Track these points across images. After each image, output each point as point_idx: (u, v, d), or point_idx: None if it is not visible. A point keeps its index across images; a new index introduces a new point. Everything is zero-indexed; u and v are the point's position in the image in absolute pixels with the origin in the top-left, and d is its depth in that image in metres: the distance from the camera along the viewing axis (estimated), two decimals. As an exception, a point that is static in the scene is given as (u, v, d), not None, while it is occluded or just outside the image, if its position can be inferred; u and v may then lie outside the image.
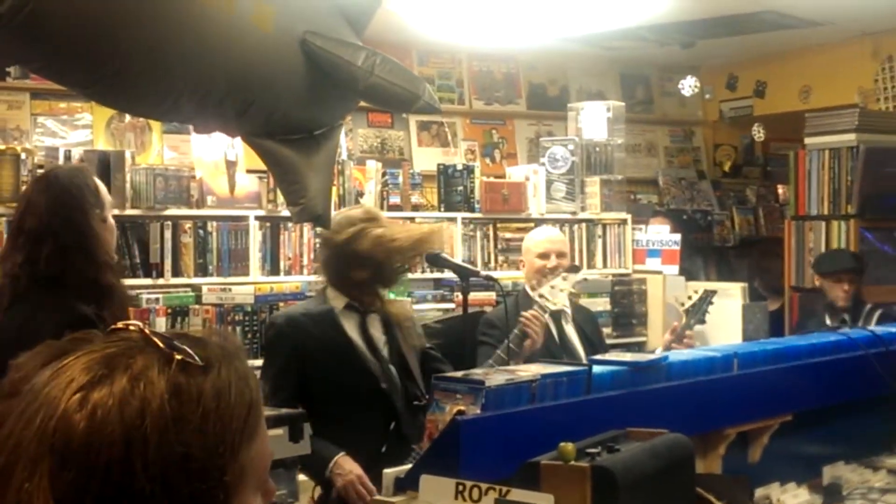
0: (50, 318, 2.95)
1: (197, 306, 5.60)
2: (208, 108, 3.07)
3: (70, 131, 6.62)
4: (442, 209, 6.63)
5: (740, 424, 3.01)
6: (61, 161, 5.30)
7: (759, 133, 8.63)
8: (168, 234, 5.64)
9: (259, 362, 4.02)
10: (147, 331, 1.14)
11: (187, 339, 1.13)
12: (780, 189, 9.51)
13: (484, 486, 1.86)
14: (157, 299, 5.51)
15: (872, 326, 4.49)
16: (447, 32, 7.50)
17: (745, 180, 9.77)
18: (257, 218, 5.93)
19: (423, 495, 1.94)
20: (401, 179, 6.48)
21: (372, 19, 3.83)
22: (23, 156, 5.23)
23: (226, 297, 5.67)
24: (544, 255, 4.99)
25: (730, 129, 9.56)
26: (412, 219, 6.42)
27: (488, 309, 5.57)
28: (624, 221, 7.21)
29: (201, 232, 5.76)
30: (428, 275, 6.46)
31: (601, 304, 6.64)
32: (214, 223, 5.81)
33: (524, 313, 4.46)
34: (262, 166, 5.09)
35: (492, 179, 6.99)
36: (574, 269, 4.75)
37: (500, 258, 6.73)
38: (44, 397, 1.08)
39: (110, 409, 1.04)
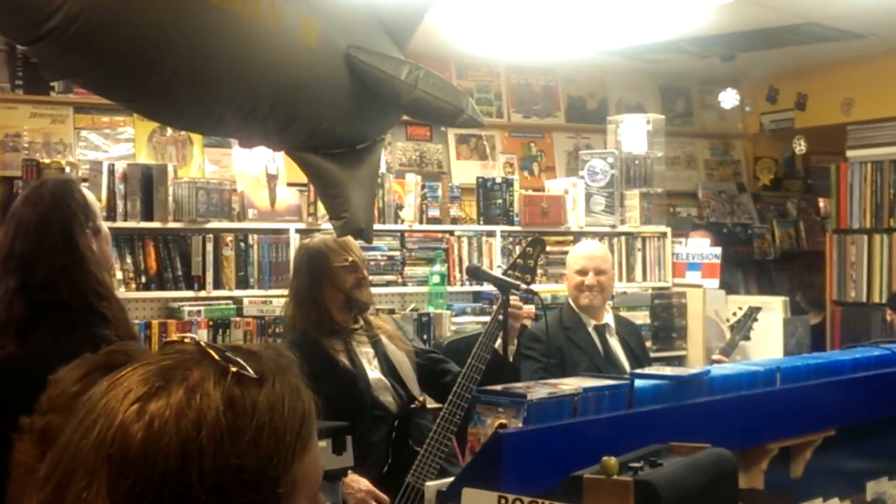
0: (76, 345, 2.56)
1: (238, 319, 5.63)
2: (253, 122, 3.09)
3: (112, 145, 6.68)
4: (481, 222, 6.63)
5: (783, 439, 2.99)
6: (105, 174, 5.35)
7: (800, 146, 8.58)
8: (210, 247, 5.68)
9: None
10: (203, 343, 1.15)
11: (241, 353, 1.15)
12: (822, 202, 9.44)
13: (526, 499, 1.85)
14: (199, 312, 5.54)
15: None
16: (486, 46, 7.51)
17: (786, 193, 9.70)
18: (298, 231, 5.96)
19: (465, 508, 1.94)
20: (440, 192, 6.49)
21: (414, 33, 3.85)
22: (67, 169, 5.28)
23: (266, 309, 5.70)
24: (582, 272, 4.97)
25: (770, 142, 9.50)
26: (451, 232, 6.43)
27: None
28: (664, 235, 7.18)
29: (242, 245, 5.79)
30: (467, 288, 6.46)
31: (641, 318, 6.61)
32: (255, 236, 5.84)
33: (511, 308, 4.15)
34: (303, 179, 5.13)
35: (531, 192, 6.98)
36: (537, 242, 4.35)
37: (540, 271, 6.73)
38: (101, 408, 1.10)
39: (167, 420, 1.06)
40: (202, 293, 5.66)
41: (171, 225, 5.64)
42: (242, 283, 5.78)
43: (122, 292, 5.22)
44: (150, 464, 1.05)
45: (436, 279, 6.21)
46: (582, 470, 1.96)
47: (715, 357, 5.20)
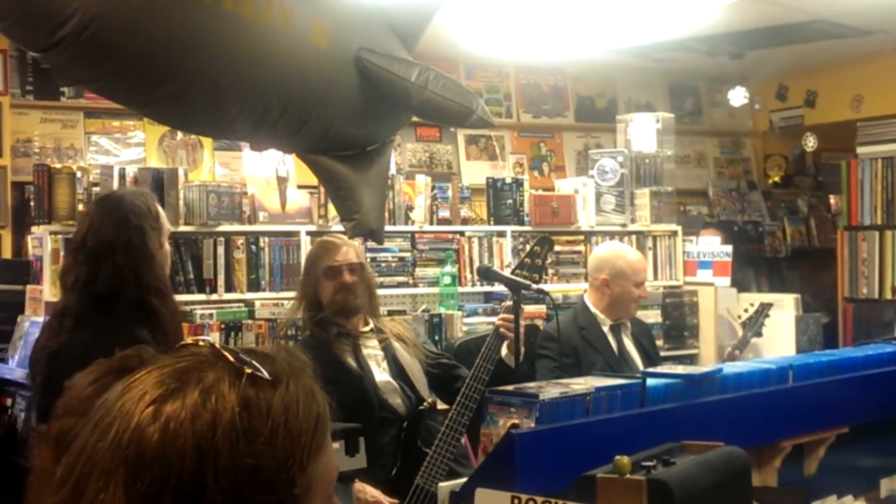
0: (111, 342, 2.94)
1: (250, 321, 5.63)
2: (264, 125, 3.11)
3: (123, 149, 6.71)
4: (491, 223, 6.63)
5: (796, 437, 2.99)
6: (115, 179, 5.36)
7: (810, 143, 8.57)
8: (221, 250, 5.68)
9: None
10: (217, 345, 1.16)
11: (255, 355, 1.16)
12: (832, 199, 9.42)
13: (539, 499, 1.86)
14: (211, 315, 5.55)
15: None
16: (494, 46, 7.51)
17: (797, 190, 9.69)
18: (308, 233, 5.95)
19: (479, 508, 1.95)
20: (450, 193, 6.49)
21: (422, 35, 3.86)
22: (78, 174, 5.30)
23: (278, 311, 5.70)
24: (640, 284, 4.92)
25: (780, 140, 9.49)
26: (462, 233, 6.43)
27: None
28: (674, 233, 7.17)
29: (253, 247, 5.80)
30: (478, 288, 6.46)
31: (652, 317, 6.60)
32: (266, 239, 5.84)
33: (500, 318, 4.17)
34: (313, 182, 5.14)
35: (541, 192, 6.98)
36: (545, 240, 4.35)
37: (551, 271, 6.72)
38: (117, 411, 1.11)
39: (183, 422, 1.07)
40: (214, 296, 5.67)
41: (182, 228, 5.65)
42: (254, 285, 5.78)
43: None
44: (166, 465, 1.06)
45: (447, 280, 6.21)
46: (595, 469, 1.97)
47: (728, 353, 5.19)
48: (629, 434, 2.44)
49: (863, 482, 3.25)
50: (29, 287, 5.31)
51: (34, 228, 5.36)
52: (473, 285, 6.41)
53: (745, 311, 5.34)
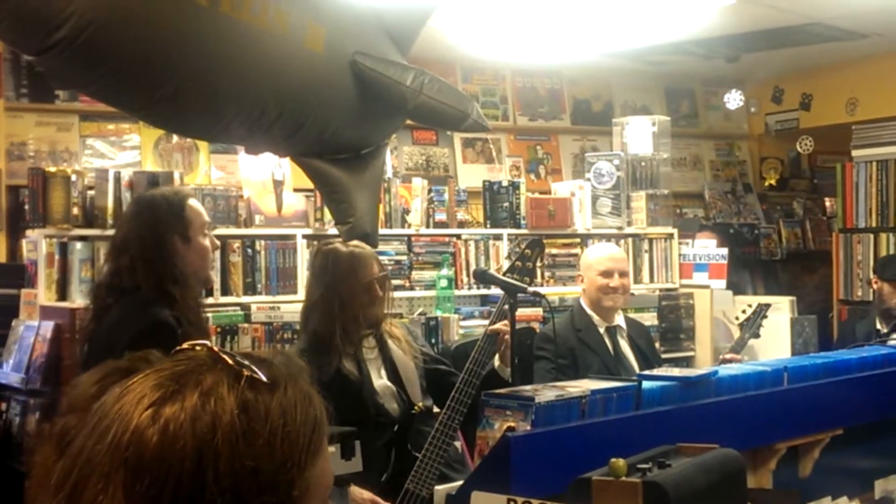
0: (131, 325, 3.22)
1: (246, 325, 5.63)
2: (260, 129, 3.11)
3: (118, 152, 6.71)
4: (488, 225, 6.63)
5: (791, 439, 3.00)
6: (111, 182, 5.35)
7: (805, 146, 8.59)
8: (217, 254, 5.67)
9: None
10: (216, 349, 1.17)
11: (253, 359, 1.17)
12: (828, 202, 9.44)
13: (535, 502, 1.86)
14: (207, 318, 5.54)
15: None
16: (491, 49, 7.52)
17: (792, 193, 9.71)
18: (305, 236, 5.96)
19: (475, 511, 1.95)
20: (446, 196, 6.49)
21: (417, 38, 3.86)
22: (73, 178, 5.28)
23: (274, 315, 5.70)
24: (607, 274, 4.97)
25: (776, 143, 9.51)
26: (458, 236, 6.43)
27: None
28: (670, 236, 7.18)
29: (249, 251, 5.79)
30: (475, 291, 6.46)
31: (648, 319, 6.60)
32: (262, 242, 5.84)
33: (500, 325, 4.12)
34: (310, 185, 5.14)
35: (537, 195, 6.98)
36: (536, 243, 4.35)
37: (547, 274, 6.73)
38: (115, 414, 1.11)
39: (182, 424, 1.08)
40: (210, 300, 5.66)
41: (179, 232, 5.64)
42: (250, 289, 5.78)
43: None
44: (165, 466, 1.06)
45: (443, 283, 6.21)
46: (591, 472, 1.97)
47: (728, 356, 5.19)
48: (625, 436, 2.44)
49: (857, 484, 3.25)
50: (24, 291, 5.30)
51: (29, 232, 5.35)
52: (470, 288, 6.42)
53: (743, 311, 5.35)
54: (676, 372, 2.95)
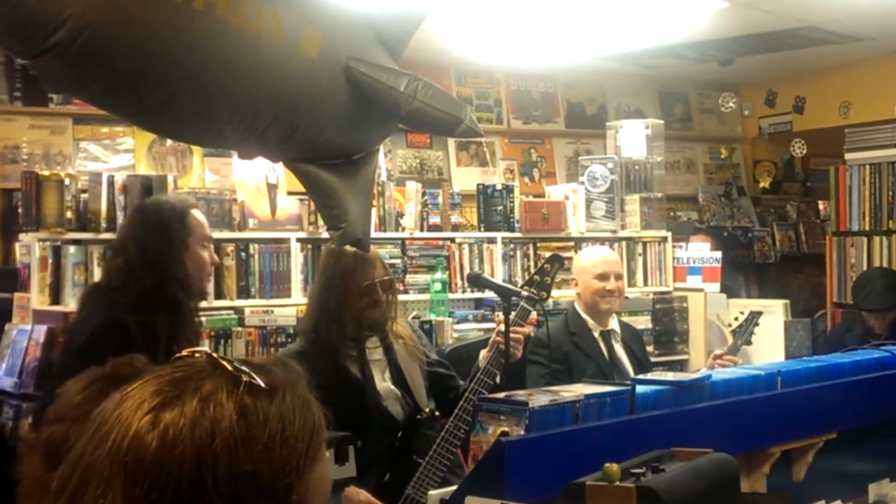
0: (90, 322, 3.27)
1: (240, 329, 5.61)
2: (253, 134, 3.11)
3: (112, 156, 6.70)
4: (482, 229, 6.63)
5: (785, 443, 3.00)
6: (104, 186, 5.34)
7: (798, 149, 8.60)
8: (211, 258, 5.67)
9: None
10: (215, 355, 1.18)
11: (252, 366, 1.18)
12: (821, 205, 9.46)
13: (529, 506, 1.86)
14: (201, 322, 5.53)
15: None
16: (485, 52, 7.53)
17: (786, 196, 9.72)
18: (299, 240, 5.95)
19: (469, 516, 1.95)
20: (440, 200, 6.49)
21: (408, 44, 3.86)
22: (66, 181, 5.28)
23: (268, 319, 5.70)
24: (603, 277, 4.95)
25: (769, 146, 9.52)
26: (452, 239, 6.43)
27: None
28: (664, 239, 7.18)
29: (243, 254, 5.79)
30: (469, 295, 6.46)
31: (642, 323, 6.61)
32: (256, 246, 5.84)
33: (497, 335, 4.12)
34: (303, 189, 5.14)
35: (531, 199, 6.98)
36: (556, 258, 4.42)
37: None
38: (114, 419, 1.12)
39: (182, 429, 1.09)
40: (203, 303, 5.64)
41: (172, 235, 5.63)
42: (244, 292, 5.78)
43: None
44: (165, 471, 1.07)
45: (437, 286, 6.21)
46: (584, 477, 1.97)
47: (725, 359, 5.16)
48: (619, 441, 2.44)
49: (851, 487, 3.25)
50: (16, 295, 5.29)
51: (22, 236, 5.34)
52: (464, 292, 6.42)
53: (736, 318, 5.35)
54: (670, 376, 2.95)
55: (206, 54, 2.89)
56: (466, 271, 6.32)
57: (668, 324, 6.85)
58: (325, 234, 5.60)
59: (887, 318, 5.84)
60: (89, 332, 3.19)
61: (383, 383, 4.00)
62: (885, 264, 6.38)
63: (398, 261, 6.19)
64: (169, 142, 6.70)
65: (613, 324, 5.07)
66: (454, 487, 2.36)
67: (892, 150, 6.42)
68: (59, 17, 2.57)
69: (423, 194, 6.44)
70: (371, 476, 3.74)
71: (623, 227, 7.03)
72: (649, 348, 6.45)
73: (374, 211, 6.05)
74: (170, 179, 5.70)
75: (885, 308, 5.87)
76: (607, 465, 1.96)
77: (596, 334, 4.94)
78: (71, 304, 4.92)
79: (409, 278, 6.22)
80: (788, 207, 9.63)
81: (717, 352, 5.17)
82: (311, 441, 1.17)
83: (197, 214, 3.49)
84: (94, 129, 6.67)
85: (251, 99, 3.04)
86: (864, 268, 6.47)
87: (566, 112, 8.61)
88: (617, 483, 1.94)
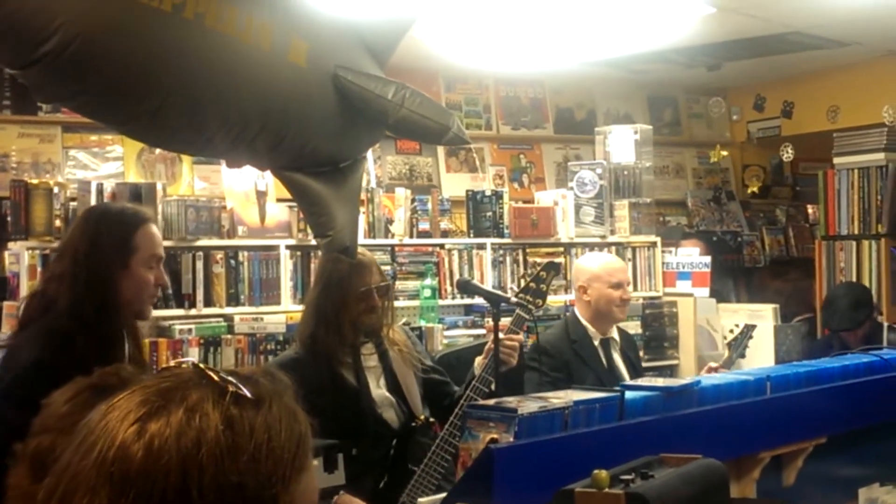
0: (19, 361, 2.96)
1: (229, 336, 5.61)
2: (242, 142, 3.10)
3: (101, 164, 6.69)
4: (471, 235, 6.64)
5: (774, 448, 3.00)
6: (93, 194, 5.34)
7: (787, 153, 8.63)
8: (200, 265, 5.67)
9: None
10: (202, 365, 1.19)
11: (238, 376, 1.19)
12: (810, 209, 9.48)
13: (519, 514, 1.86)
14: (190, 330, 5.53)
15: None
16: (473, 58, 7.53)
17: (775, 200, 9.74)
18: (288, 247, 5.95)
19: (458, 524, 1.95)
20: (430, 206, 6.49)
21: (394, 52, 3.86)
22: (55, 190, 5.27)
23: (258, 326, 5.69)
24: (619, 285, 4.87)
25: (758, 150, 9.54)
26: (442, 246, 6.43)
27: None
28: (653, 244, 7.19)
29: (233, 262, 5.79)
30: (458, 301, 6.46)
31: (632, 328, 6.60)
32: (245, 253, 5.83)
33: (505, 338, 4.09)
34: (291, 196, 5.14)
35: (520, 204, 6.99)
36: (552, 266, 4.40)
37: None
38: (100, 430, 1.13)
39: (167, 439, 1.09)
40: (193, 311, 5.65)
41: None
42: (233, 300, 5.77)
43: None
44: (150, 481, 1.08)
45: (427, 293, 6.21)
46: (574, 483, 1.98)
47: (714, 366, 5.16)
48: (608, 447, 2.44)
49: (841, 491, 3.27)
50: (6, 303, 5.28)
51: (11, 244, 5.33)
52: (454, 298, 6.42)
53: (731, 331, 5.39)
54: (659, 382, 2.95)
55: (196, 64, 2.89)
56: (456, 277, 6.33)
57: (658, 329, 6.86)
58: (314, 241, 5.60)
59: (858, 334, 5.84)
60: (12, 376, 2.91)
61: (378, 390, 3.99)
62: (874, 268, 6.39)
63: (388, 267, 6.18)
64: (158, 150, 6.69)
65: (613, 332, 4.99)
66: (443, 495, 2.36)
67: (880, 154, 6.44)
68: (50, 26, 2.57)
69: (413, 200, 6.44)
70: (366, 483, 3.72)
71: (612, 232, 7.04)
72: (640, 353, 6.45)
73: (363, 217, 6.05)
74: (159, 187, 5.70)
75: (852, 327, 5.87)
76: (596, 471, 1.96)
77: (596, 342, 4.85)
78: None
79: (399, 285, 6.22)
80: (777, 212, 9.64)
81: (713, 365, 5.16)
82: (297, 451, 1.17)
83: (149, 229, 3.19)
84: (84, 137, 6.66)
85: (240, 108, 3.04)
86: (854, 272, 6.49)
87: (555, 117, 8.62)
88: (606, 490, 1.94)
